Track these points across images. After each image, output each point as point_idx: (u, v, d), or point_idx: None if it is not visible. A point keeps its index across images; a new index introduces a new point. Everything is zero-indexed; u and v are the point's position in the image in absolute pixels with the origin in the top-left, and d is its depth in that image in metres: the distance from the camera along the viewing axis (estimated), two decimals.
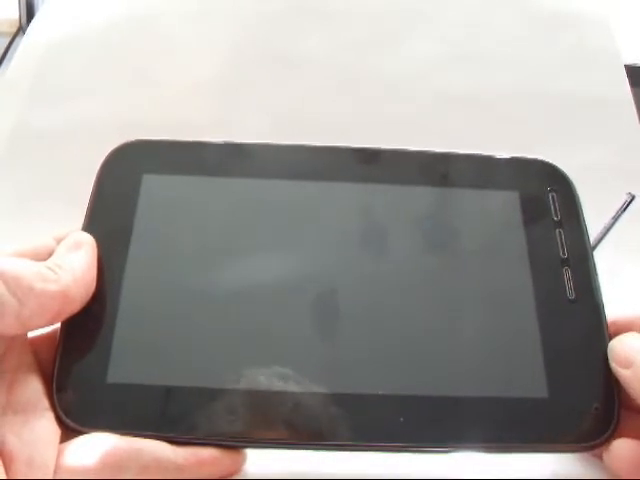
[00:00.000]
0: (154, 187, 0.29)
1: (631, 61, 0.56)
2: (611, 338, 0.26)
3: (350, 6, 0.56)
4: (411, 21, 0.55)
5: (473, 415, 0.25)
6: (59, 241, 0.27)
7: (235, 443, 0.25)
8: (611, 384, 0.26)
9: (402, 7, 0.56)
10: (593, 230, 0.30)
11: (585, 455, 0.26)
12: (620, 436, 0.25)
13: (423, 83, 0.51)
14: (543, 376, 0.26)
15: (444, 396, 0.25)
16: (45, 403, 0.24)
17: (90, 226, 0.28)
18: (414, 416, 0.25)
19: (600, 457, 0.25)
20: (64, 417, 0.24)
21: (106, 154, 0.30)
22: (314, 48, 0.53)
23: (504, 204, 0.29)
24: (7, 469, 0.22)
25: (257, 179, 0.30)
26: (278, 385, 0.25)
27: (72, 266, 0.25)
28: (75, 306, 0.25)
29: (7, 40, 0.74)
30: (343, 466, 0.26)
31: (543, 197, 0.30)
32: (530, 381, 0.26)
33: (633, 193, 0.38)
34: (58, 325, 0.26)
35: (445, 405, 0.25)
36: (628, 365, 0.25)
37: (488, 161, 0.31)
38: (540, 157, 0.31)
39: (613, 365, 0.26)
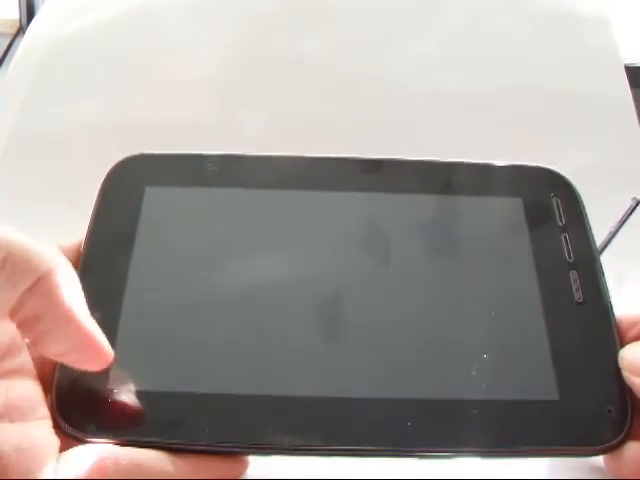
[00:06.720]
0: (156, 199, 0.29)
1: (631, 61, 0.56)
2: (619, 338, 0.27)
3: (350, 6, 0.55)
4: (411, 21, 0.55)
5: (482, 418, 0.25)
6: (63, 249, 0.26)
7: (238, 449, 0.24)
8: (624, 386, 0.26)
9: (402, 7, 0.56)
10: (594, 231, 0.30)
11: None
12: (630, 440, 0.25)
13: (422, 83, 0.51)
14: (553, 379, 0.26)
15: (453, 399, 0.25)
16: (43, 411, 0.24)
17: (93, 237, 0.28)
18: (423, 420, 0.25)
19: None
20: (64, 424, 0.24)
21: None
22: (314, 48, 0.53)
23: (509, 211, 0.30)
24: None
25: (259, 190, 0.30)
26: (283, 390, 0.25)
27: None
28: None
29: (7, 40, 0.74)
30: (350, 471, 0.26)
31: (547, 203, 0.30)
32: (540, 384, 0.26)
33: (638, 198, 0.38)
34: None
35: (455, 409, 0.25)
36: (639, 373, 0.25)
37: (492, 169, 0.31)
38: (543, 164, 0.31)
39: (625, 373, 0.26)
